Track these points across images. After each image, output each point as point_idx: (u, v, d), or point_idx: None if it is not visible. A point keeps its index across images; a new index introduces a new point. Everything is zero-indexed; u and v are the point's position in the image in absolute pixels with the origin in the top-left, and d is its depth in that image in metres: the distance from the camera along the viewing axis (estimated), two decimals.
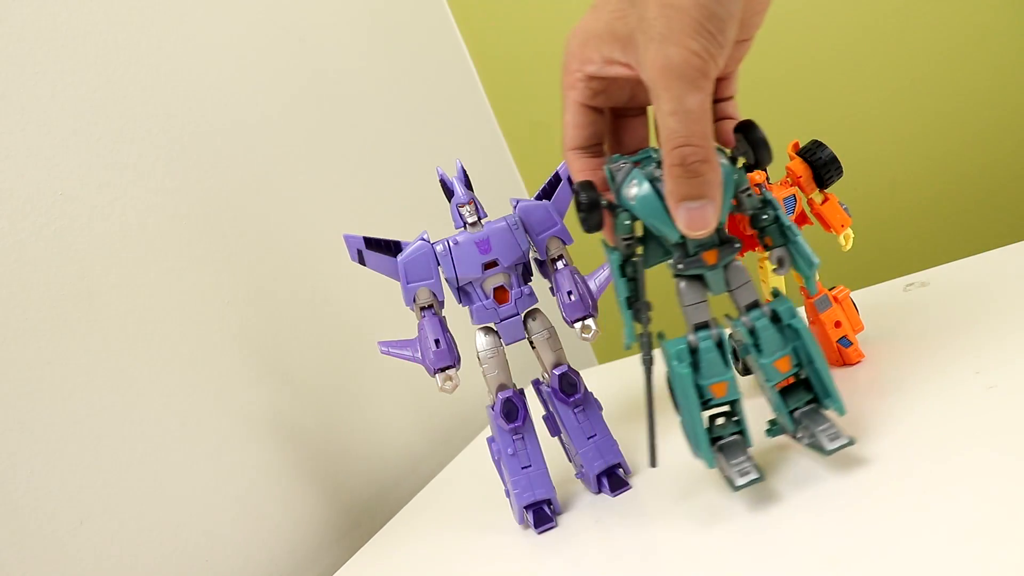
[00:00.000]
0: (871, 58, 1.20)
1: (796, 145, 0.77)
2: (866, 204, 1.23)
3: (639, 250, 0.60)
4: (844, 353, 0.74)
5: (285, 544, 0.86)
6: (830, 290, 0.75)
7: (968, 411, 0.58)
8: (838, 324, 0.74)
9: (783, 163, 0.77)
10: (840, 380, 0.72)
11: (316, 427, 0.94)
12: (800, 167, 0.75)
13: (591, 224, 0.60)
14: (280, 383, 0.91)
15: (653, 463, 0.61)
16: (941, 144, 1.20)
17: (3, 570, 0.63)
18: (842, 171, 0.75)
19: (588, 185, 0.60)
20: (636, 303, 0.59)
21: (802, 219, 0.77)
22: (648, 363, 0.60)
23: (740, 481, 0.57)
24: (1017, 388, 0.58)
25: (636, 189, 0.56)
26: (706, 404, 0.59)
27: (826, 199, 0.76)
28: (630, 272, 0.60)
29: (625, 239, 0.59)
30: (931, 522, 0.48)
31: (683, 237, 0.56)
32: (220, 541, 0.80)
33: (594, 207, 0.59)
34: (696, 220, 0.54)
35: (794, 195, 0.74)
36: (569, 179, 0.74)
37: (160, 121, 0.87)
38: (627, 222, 0.58)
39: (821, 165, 0.74)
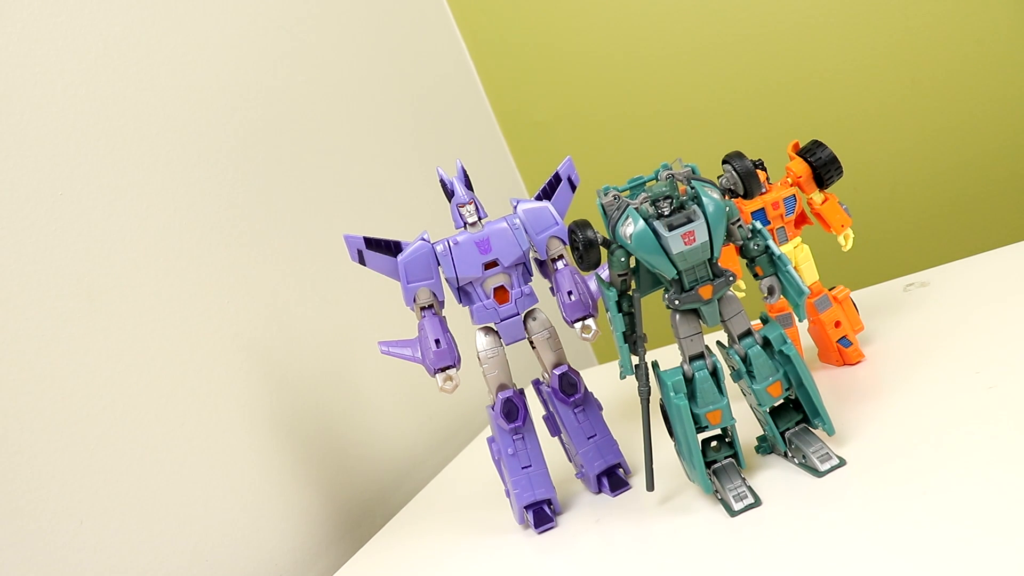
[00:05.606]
0: (871, 58, 1.20)
1: (796, 145, 0.77)
2: (866, 204, 1.23)
3: (633, 284, 0.62)
4: (844, 353, 0.74)
5: (285, 544, 0.86)
6: (830, 290, 0.75)
7: (968, 411, 0.58)
8: (838, 324, 0.74)
9: (783, 163, 0.77)
10: (840, 380, 0.73)
11: (316, 427, 0.94)
12: (800, 167, 0.75)
13: (589, 263, 0.62)
14: (280, 383, 0.91)
15: (651, 487, 0.63)
16: (941, 144, 1.20)
17: (3, 570, 0.63)
18: (842, 171, 0.75)
19: (584, 224, 0.62)
20: (632, 336, 0.61)
21: (802, 219, 0.77)
22: (645, 394, 0.62)
23: (738, 506, 0.59)
24: (1017, 388, 0.58)
25: (632, 227, 0.58)
26: (701, 429, 0.61)
27: (826, 199, 0.76)
28: (626, 307, 0.62)
29: (620, 274, 0.61)
30: (931, 522, 0.48)
31: (679, 273, 0.58)
32: (220, 541, 0.80)
33: (591, 246, 0.61)
34: None
35: (794, 195, 0.74)
36: (570, 179, 0.74)
37: (160, 121, 0.86)
38: (623, 259, 0.60)
39: (821, 165, 0.74)
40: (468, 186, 0.70)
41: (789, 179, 0.75)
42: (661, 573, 0.56)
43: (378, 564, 0.79)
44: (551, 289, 0.71)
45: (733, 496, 0.59)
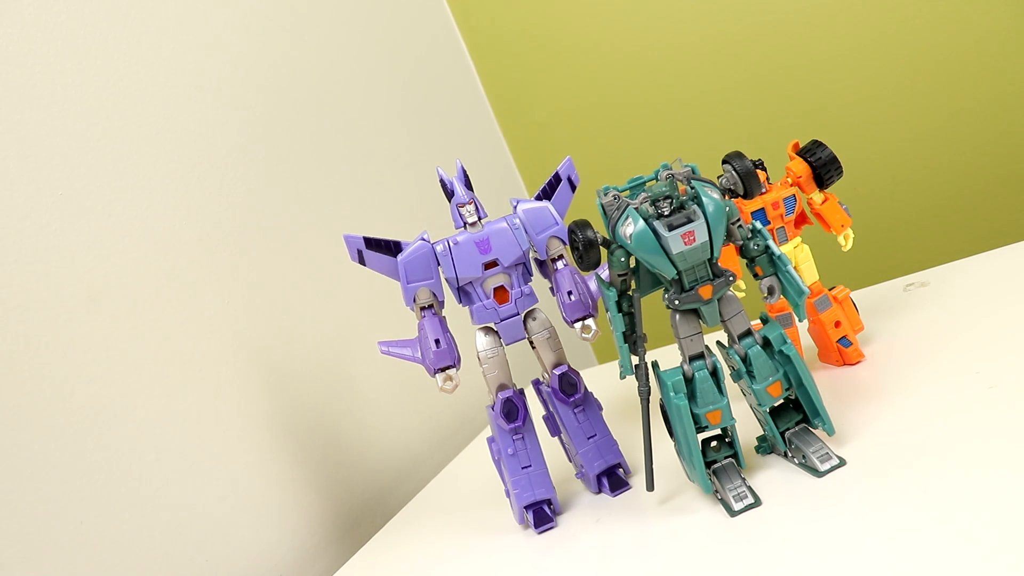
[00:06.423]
0: (871, 58, 1.20)
1: (796, 145, 0.77)
2: (866, 204, 1.23)
3: (633, 284, 0.62)
4: (844, 353, 0.74)
5: (285, 544, 0.86)
6: (830, 290, 0.75)
7: (968, 411, 0.58)
8: (838, 324, 0.74)
9: (783, 163, 0.77)
10: (840, 380, 0.73)
11: (316, 427, 0.94)
12: (800, 167, 0.75)
13: (589, 263, 0.62)
14: (280, 383, 0.91)
15: (651, 487, 0.63)
16: (941, 144, 1.20)
17: (3, 570, 0.63)
18: (842, 171, 0.75)
19: (584, 224, 0.62)
20: (632, 336, 0.61)
21: (802, 219, 0.77)
22: (645, 394, 0.62)
23: (738, 506, 0.59)
24: (1017, 388, 0.58)
25: (632, 227, 0.58)
26: (700, 429, 0.61)
27: (826, 199, 0.76)
28: (626, 307, 0.62)
29: (620, 274, 0.61)
30: (932, 523, 0.48)
31: (679, 273, 0.58)
32: (220, 541, 0.80)
33: (591, 246, 0.62)
34: None
35: (794, 195, 0.74)
36: (569, 179, 0.74)
37: (160, 121, 0.87)
38: (623, 259, 0.60)
39: (821, 165, 0.74)
40: (468, 186, 0.70)
41: (789, 179, 0.75)
42: (661, 573, 0.56)
43: (378, 564, 0.79)
44: (551, 289, 0.71)
45: (733, 496, 0.59)
